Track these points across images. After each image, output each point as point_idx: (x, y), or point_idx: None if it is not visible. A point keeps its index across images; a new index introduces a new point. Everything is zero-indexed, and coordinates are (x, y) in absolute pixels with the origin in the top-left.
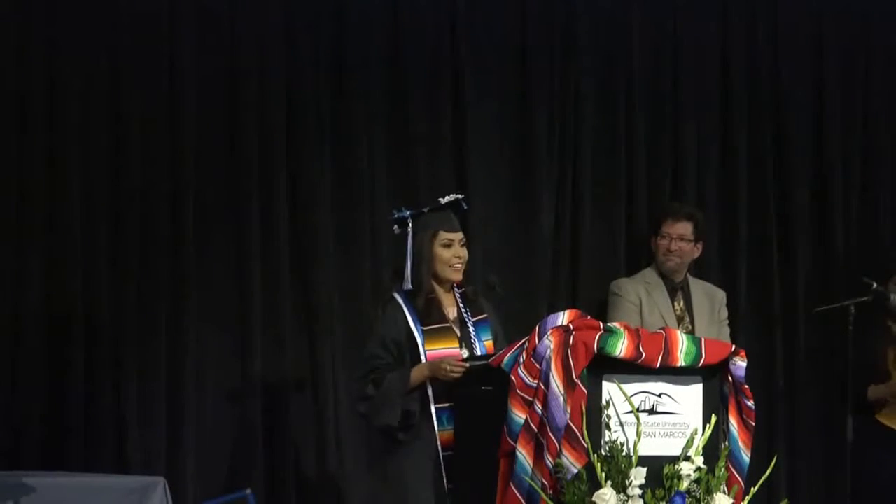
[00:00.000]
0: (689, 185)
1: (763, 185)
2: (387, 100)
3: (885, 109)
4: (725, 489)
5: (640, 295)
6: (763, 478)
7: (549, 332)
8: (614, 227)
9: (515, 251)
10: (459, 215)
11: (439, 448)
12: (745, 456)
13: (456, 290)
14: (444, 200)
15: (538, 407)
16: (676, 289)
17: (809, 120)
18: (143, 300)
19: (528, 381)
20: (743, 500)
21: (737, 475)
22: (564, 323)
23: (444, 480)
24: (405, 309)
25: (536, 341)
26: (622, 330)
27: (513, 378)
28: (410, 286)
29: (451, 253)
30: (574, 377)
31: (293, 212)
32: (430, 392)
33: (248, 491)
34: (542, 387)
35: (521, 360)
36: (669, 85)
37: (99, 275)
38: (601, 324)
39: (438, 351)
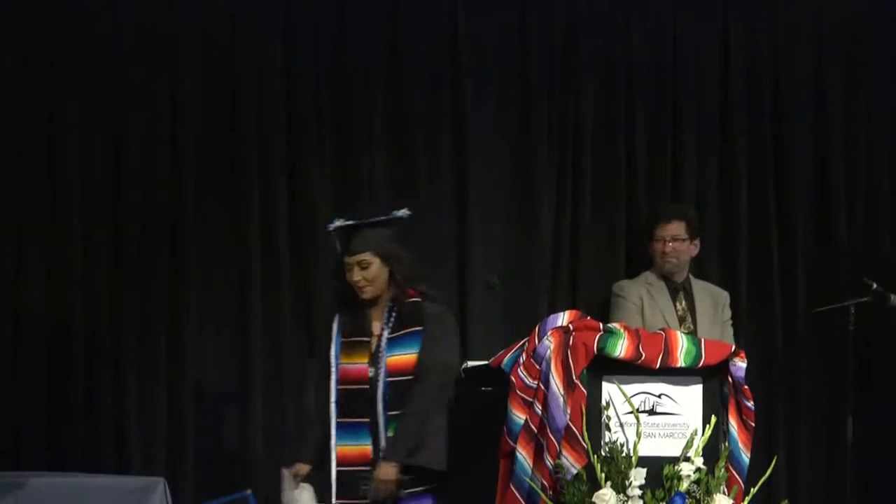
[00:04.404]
0: (689, 184)
1: (763, 184)
2: (387, 99)
3: (885, 109)
4: (725, 490)
5: (642, 296)
6: (763, 478)
7: (548, 333)
8: (614, 227)
9: (515, 251)
10: (376, 228)
11: (334, 464)
12: (745, 456)
13: (393, 301)
14: (332, 227)
15: (538, 408)
16: (678, 289)
17: (810, 120)
18: (142, 300)
19: (527, 382)
20: (743, 500)
21: (737, 476)
22: (564, 323)
23: (334, 496)
24: (336, 319)
25: (536, 342)
26: (622, 330)
27: (512, 379)
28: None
29: (351, 277)
30: (574, 378)
31: (293, 211)
32: (333, 408)
33: (249, 491)
34: (542, 387)
35: (521, 360)
36: (669, 85)
37: (99, 275)
38: (601, 324)
39: (350, 366)
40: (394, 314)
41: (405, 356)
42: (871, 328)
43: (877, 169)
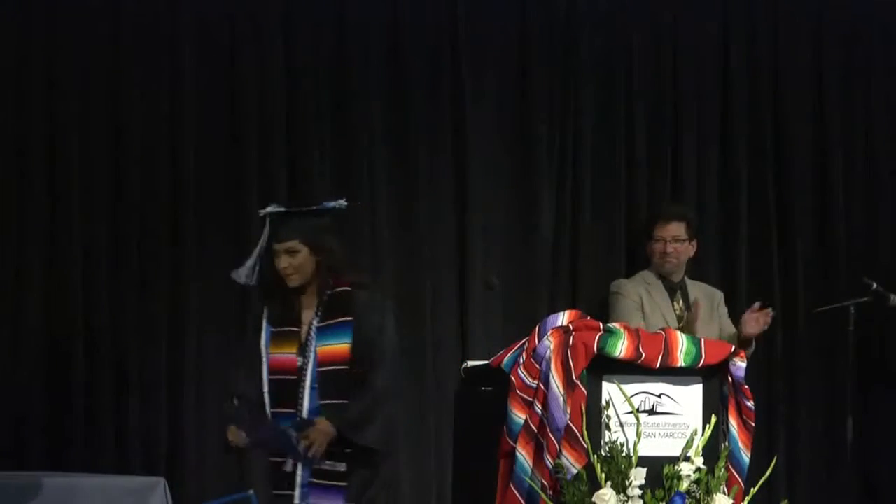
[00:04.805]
0: (689, 184)
1: (763, 184)
2: (387, 100)
3: (885, 109)
4: (725, 490)
5: (641, 295)
6: (763, 478)
7: (548, 333)
8: (614, 227)
9: (515, 251)
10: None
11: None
12: (745, 456)
13: (322, 291)
14: (263, 212)
15: (538, 407)
16: (675, 289)
17: (809, 119)
18: (142, 300)
19: (527, 382)
20: (743, 500)
21: (737, 475)
22: (564, 323)
23: (272, 486)
24: (265, 309)
25: (536, 342)
26: (622, 330)
27: (512, 379)
28: (242, 280)
29: (279, 264)
30: (574, 377)
31: None
32: (266, 398)
33: (251, 491)
34: (542, 387)
35: (521, 360)
36: (669, 85)
37: (99, 276)
38: (601, 324)
39: (278, 355)
40: (323, 303)
41: (336, 346)
42: (871, 328)
43: (877, 169)
